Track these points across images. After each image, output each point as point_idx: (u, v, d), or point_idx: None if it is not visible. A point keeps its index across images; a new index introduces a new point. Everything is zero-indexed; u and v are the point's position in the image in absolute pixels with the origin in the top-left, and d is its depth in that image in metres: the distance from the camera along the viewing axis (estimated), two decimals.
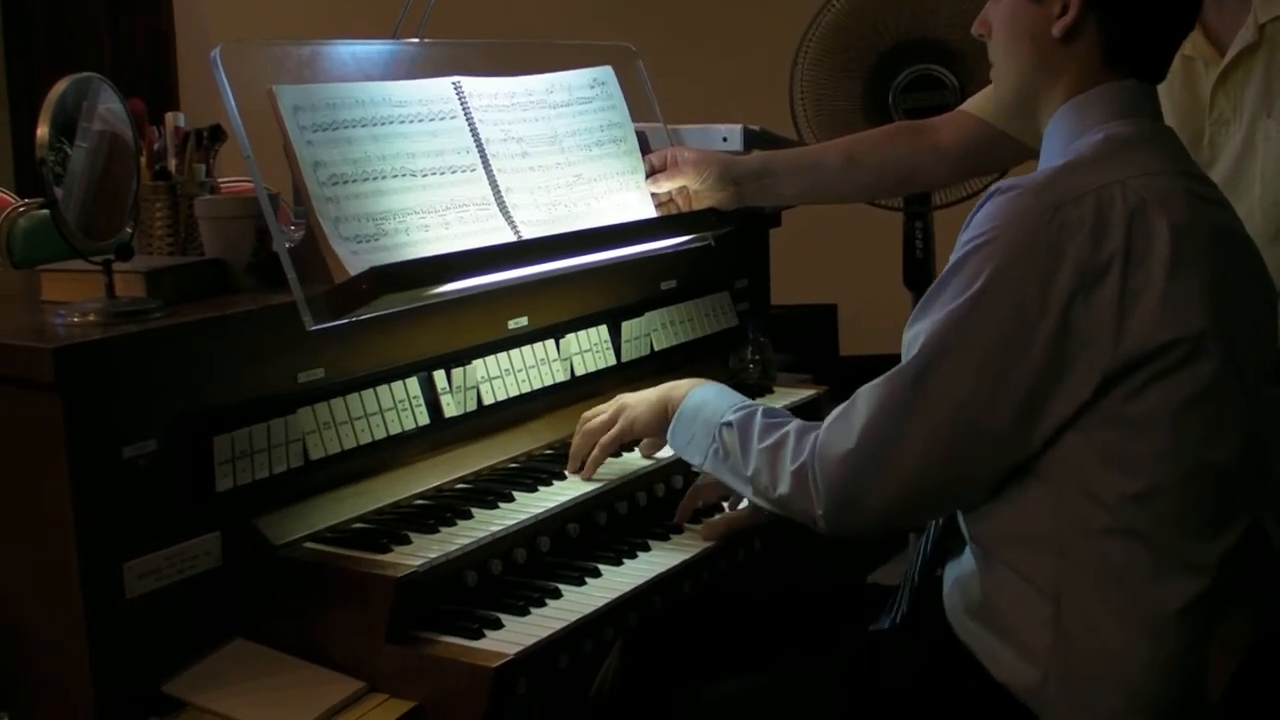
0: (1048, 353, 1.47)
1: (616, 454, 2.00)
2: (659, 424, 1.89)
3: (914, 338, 1.55)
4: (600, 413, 1.97)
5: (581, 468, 1.95)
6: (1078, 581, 1.52)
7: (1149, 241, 1.48)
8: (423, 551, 1.67)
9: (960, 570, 1.66)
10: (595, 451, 1.94)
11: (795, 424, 1.67)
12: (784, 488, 1.63)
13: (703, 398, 1.83)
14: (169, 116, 1.98)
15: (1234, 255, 1.60)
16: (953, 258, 1.54)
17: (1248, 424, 1.57)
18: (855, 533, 1.65)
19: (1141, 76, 1.63)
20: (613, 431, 1.93)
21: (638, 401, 1.92)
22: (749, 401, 1.79)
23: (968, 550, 1.64)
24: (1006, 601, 1.57)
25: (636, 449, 2.03)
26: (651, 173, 2.27)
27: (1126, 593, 1.51)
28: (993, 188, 1.54)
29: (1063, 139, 1.62)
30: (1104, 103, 1.61)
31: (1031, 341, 1.47)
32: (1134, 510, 1.50)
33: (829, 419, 1.61)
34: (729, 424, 1.74)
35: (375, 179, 1.84)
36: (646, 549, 1.87)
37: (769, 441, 1.67)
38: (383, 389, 1.87)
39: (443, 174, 1.93)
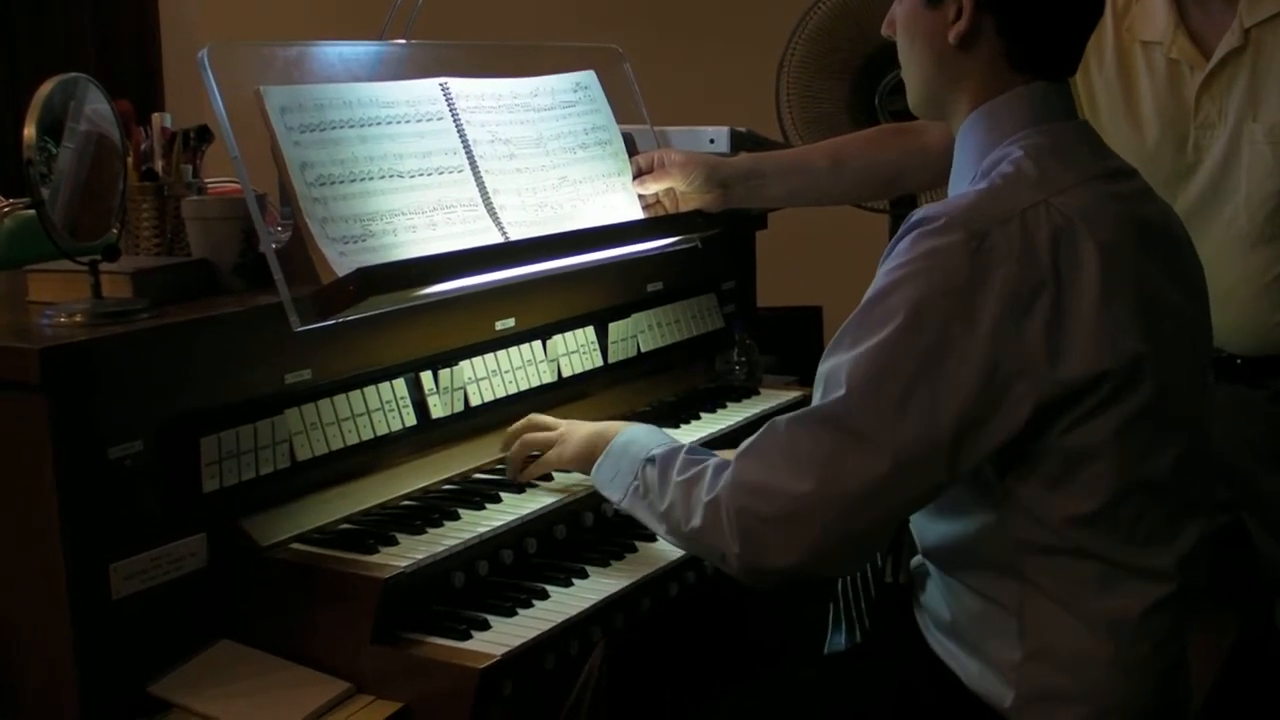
0: (978, 381, 1.41)
1: None
2: (586, 459, 1.84)
3: (831, 372, 1.48)
4: (548, 428, 1.95)
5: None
6: (1037, 596, 1.51)
7: (1077, 266, 1.43)
8: (409, 553, 1.67)
9: (926, 589, 1.65)
10: (533, 468, 1.92)
11: (715, 460, 1.61)
12: (696, 520, 1.55)
13: (632, 436, 1.78)
14: (156, 117, 1.97)
15: (1161, 250, 1.56)
16: (872, 288, 1.47)
17: (1192, 427, 1.55)
18: (768, 582, 1.52)
19: (1050, 76, 1.56)
20: (541, 461, 1.92)
21: (574, 433, 1.89)
22: (678, 442, 1.74)
23: (930, 569, 1.63)
24: (973, 619, 1.56)
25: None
26: (639, 174, 2.28)
27: (1085, 603, 1.50)
28: (913, 218, 1.47)
29: (975, 150, 1.57)
30: (1014, 111, 1.54)
31: (959, 370, 1.41)
32: (1080, 529, 1.48)
33: (741, 450, 1.53)
34: (652, 459, 1.68)
35: (363, 180, 1.83)
36: (634, 550, 1.87)
37: (687, 475, 1.60)
38: (370, 390, 1.86)
39: (430, 175, 1.93)
